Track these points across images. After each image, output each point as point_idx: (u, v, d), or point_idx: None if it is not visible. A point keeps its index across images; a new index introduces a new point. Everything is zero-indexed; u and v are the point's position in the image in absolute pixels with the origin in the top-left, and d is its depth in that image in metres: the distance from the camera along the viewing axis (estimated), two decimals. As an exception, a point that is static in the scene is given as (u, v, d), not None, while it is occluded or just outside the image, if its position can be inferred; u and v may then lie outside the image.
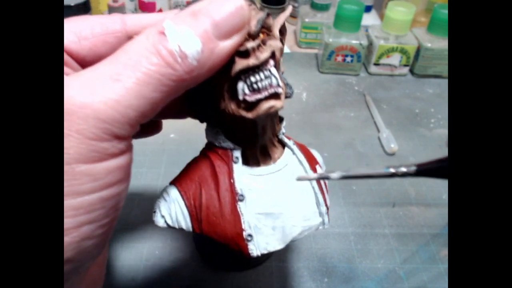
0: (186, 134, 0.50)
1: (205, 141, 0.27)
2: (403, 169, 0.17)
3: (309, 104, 0.58)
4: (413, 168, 0.16)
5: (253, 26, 0.20)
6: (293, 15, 0.77)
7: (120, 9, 0.60)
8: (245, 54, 0.21)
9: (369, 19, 0.75)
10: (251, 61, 0.20)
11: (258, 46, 0.21)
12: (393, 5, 0.61)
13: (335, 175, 0.20)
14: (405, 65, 0.65)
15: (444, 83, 0.65)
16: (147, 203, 0.41)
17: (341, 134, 0.53)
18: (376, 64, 0.64)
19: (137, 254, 0.36)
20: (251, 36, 0.20)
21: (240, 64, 0.21)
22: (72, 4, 0.57)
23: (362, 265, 0.37)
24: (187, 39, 0.17)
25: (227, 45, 0.19)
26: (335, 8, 0.62)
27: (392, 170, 0.17)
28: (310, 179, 0.25)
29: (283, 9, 0.75)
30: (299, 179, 0.23)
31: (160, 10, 0.64)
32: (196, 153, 0.27)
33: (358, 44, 0.61)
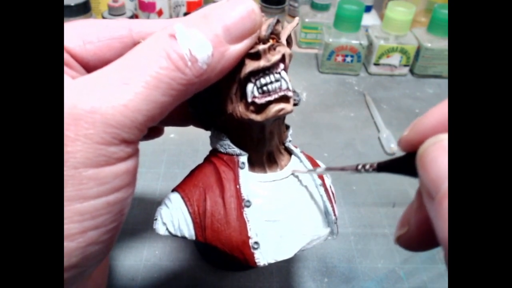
0: (186, 134, 0.50)
1: (205, 142, 0.27)
2: (367, 166, 0.19)
3: (309, 104, 0.58)
4: (375, 165, 0.19)
5: (263, 30, 0.20)
6: (292, 15, 0.77)
7: (120, 9, 0.60)
8: (256, 56, 0.20)
9: (369, 19, 0.75)
10: (262, 63, 0.20)
11: (269, 48, 0.21)
12: (393, 5, 0.61)
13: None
14: (405, 65, 0.65)
15: (444, 83, 0.65)
16: (147, 203, 0.41)
17: (341, 134, 0.53)
18: (376, 64, 0.64)
19: (137, 254, 0.36)
20: (261, 40, 0.21)
21: (251, 65, 0.20)
22: (72, 4, 0.57)
23: (362, 265, 0.37)
24: (197, 43, 0.17)
25: (237, 48, 0.19)
26: (335, 8, 0.62)
27: (359, 167, 0.20)
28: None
29: (283, 10, 0.75)
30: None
31: (160, 10, 0.64)
32: (196, 153, 0.27)
33: (358, 44, 0.61)
